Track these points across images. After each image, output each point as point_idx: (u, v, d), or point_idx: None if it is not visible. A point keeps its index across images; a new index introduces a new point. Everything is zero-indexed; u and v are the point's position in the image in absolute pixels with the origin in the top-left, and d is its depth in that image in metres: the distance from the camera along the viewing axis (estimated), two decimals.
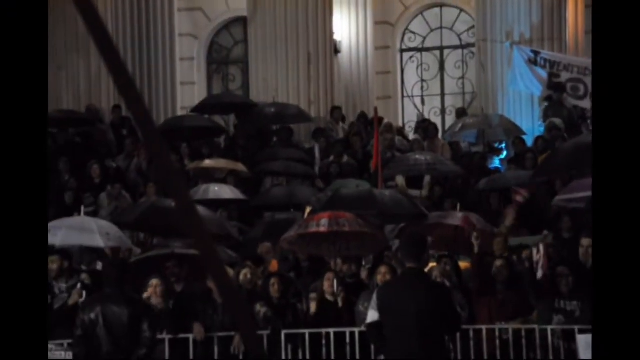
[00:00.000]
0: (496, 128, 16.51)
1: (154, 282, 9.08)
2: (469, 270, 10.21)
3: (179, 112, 19.43)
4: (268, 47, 18.66)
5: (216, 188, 13.95)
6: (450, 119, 20.59)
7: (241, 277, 9.49)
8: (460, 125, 17.00)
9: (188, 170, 15.37)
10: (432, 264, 9.57)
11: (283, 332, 9.22)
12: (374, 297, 7.15)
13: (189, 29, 21.86)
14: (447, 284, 9.10)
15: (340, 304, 9.56)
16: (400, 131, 18.43)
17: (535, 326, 8.99)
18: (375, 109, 12.86)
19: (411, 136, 18.12)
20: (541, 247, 9.59)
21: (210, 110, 18.44)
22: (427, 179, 14.82)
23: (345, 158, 16.12)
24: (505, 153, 16.45)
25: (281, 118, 17.16)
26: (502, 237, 10.28)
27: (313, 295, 9.67)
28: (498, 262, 9.59)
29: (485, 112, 17.31)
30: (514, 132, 16.56)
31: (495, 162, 16.19)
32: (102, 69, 17.45)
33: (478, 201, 13.83)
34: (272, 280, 9.67)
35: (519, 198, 11.10)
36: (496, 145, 16.80)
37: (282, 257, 11.41)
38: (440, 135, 18.03)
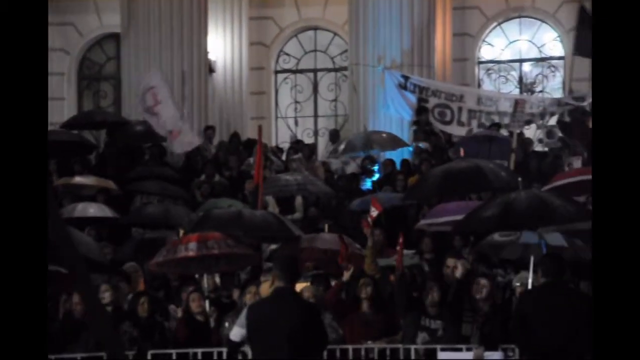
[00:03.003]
0: (383, 141, 16.79)
1: None
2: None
3: (48, 128, 19.01)
4: (141, 64, 18.51)
5: (84, 206, 13.71)
6: (323, 141, 20.83)
7: (106, 296, 9.36)
8: (343, 144, 17.23)
9: (56, 186, 15.05)
10: (304, 284, 9.65)
11: (149, 352, 9.12)
12: (243, 315, 7.16)
13: (61, 44, 21.46)
14: (317, 304, 9.19)
15: (212, 324, 9.52)
16: (276, 152, 18.55)
17: (400, 345, 9.16)
18: (259, 128, 12.89)
19: (283, 157, 18.24)
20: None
21: (80, 126, 18.12)
22: (299, 199, 14.94)
23: (217, 177, 16.10)
24: (377, 175, 16.75)
25: (151, 136, 17.02)
26: (370, 257, 10.45)
27: (180, 314, 9.61)
28: (362, 281, 9.73)
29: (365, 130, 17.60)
30: (400, 144, 16.91)
31: (367, 184, 16.46)
32: None
33: (350, 222, 14.03)
34: (141, 300, 9.56)
35: (372, 214, 11.33)
36: (368, 166, 17.08)
37: (151, 275, 11.29)
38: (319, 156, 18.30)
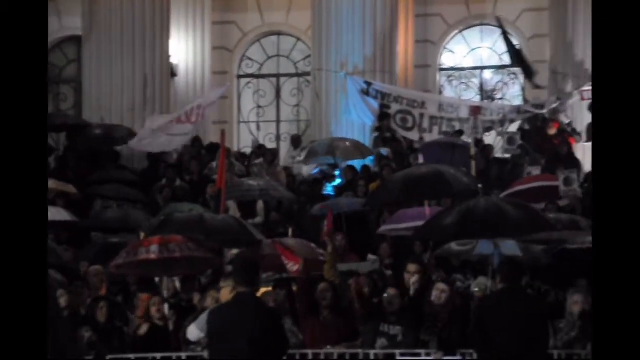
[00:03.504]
0: (346, 150, 16.84)
1: None
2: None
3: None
4: (103, 67, 18.41)
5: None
6: (285, 146, 20.85)
7: (62, 301, 9.30)
8: (307, 150, 17.25)
9: None
10: (265, 289, 9.66)
11: (108, 357, 9.07)
12: (204, 319, 7.15)
13: None
14: (278, 308, 9.20)
15: (171, 327, 9.49)
16: (238, 156, 18.54)
17: (360, 350, 9.20)
18: (223, 133, 12.89)
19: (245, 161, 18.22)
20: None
21: None
22: (261, 204, 14.94)
23: (178, 182, 16.04)
24: (338, 180, 16.80)
25: (110, 139, 16.91)
26: (330, 262, 10.48)
27: (140, 319, 9.58)
28: (322, 286, 9.76)
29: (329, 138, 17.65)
30: (363, 152, 16.97)
31: (329, 189, 16.50)
32: None
33: (312, 227, 14.06)
34: (100, 304, 9.51)
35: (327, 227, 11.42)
36: (329, 171, 17.12)
37: (110, 280, 11.23)
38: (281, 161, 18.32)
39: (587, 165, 16.69)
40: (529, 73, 18.39)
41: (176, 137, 16.90)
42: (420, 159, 14.63)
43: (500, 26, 18.78)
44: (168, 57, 19.24)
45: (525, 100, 18.73)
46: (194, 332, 7.18)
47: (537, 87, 18.58)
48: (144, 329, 9.47)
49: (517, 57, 18.67)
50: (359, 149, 16.98)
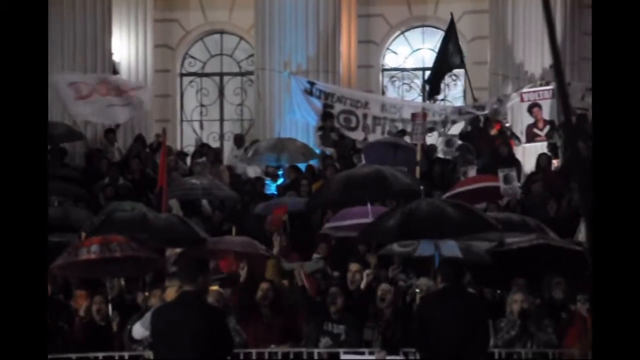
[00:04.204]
0: (293, 151, 16.86)
1: None
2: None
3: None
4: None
5: None
6: (228, 145, 20.82)
7: None
8: (253, 149, 17.24)
9: None
10: (210, 288, 9.65)
11: (49, 357, 8.99)
12: (148, 318, 7.12)
13: None
14: (222, 307, 9.21)
15: (115, 327, 9.45)
16: (181, 155, 18.47)
17: (304, 349, 9.25)
18: (164, 130, 12.85)
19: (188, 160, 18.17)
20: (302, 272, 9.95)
21: None
22: (204, 203, 14.92)
23: (121, 180, 15.93)
24: (281, 179, 16.83)
25: (49, 137, 16.71)
26: (273, 261, 10.51)
27: (81, 318, 9.52)
28: (263, 286, 9.79)
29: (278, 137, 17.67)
30: (309, 155, 17.00)
31: (272, 188, 16.52)
32: None
33: (255, 226, 14.07)
34: None
35: (275, 220, 11.46)
36: (272, 170, 17.14)
37: (52, 279, 11.11)
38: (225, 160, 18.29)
39: (527, 166, 16.97)
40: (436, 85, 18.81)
41: (123, 108, 16.96)
42: (363, 159, 14.75)
43: (452, 26, 18.89)
44: (110, 54, 19.10)
45: (475, 99, 18.90)
46: (138, 330, 7.15)
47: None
48: (85, 328, 9.40)
49: (459, 58, 18.86)
50: (303, 153, 16.98)
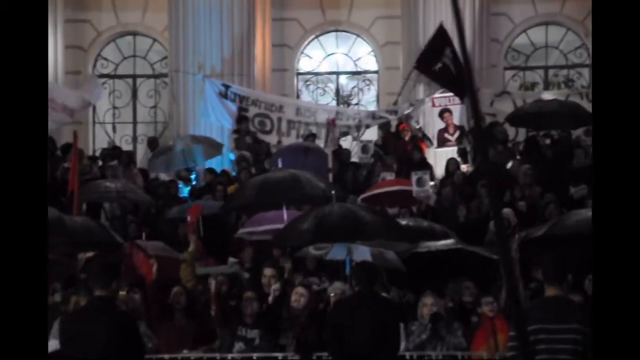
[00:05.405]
0: (196, 150, 16.78)
1: None
2: None
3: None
4: None
5: None
6: (141, 148, 20.62)
7: None
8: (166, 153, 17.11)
9: None
10: (121, 293, 9.57)
11: None
12: (57, 326, 7.03)
13: None
14: (132, 312, 9.14)
15: None
16: (93, 158, 18.22)
17: (217, 354, 9.24)
18: (75, 133, 12.66)
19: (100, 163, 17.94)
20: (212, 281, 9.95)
21: None
22: (107, 206, 14.76)
23: None
24: (195, 183, 16.74)
25: None
26: (187, 264, 10.47)
27: None
28: (175, 290, 9.75)
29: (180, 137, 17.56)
30: (216, 150, 16.94)
31: (185, 192, 16.43)
32: None
33: (169, 229, 13.99)
34: None
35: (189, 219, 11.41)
36: (185, 174, 17.04)
37: None
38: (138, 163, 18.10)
39: (438, 170, 17.24)
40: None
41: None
42: (279, 163, 14.78)
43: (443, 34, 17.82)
44: None
45: (395, 103, 19.00)
46: (50, 343, 7.05)
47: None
48: None
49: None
50: (213, 147, 16.97)
